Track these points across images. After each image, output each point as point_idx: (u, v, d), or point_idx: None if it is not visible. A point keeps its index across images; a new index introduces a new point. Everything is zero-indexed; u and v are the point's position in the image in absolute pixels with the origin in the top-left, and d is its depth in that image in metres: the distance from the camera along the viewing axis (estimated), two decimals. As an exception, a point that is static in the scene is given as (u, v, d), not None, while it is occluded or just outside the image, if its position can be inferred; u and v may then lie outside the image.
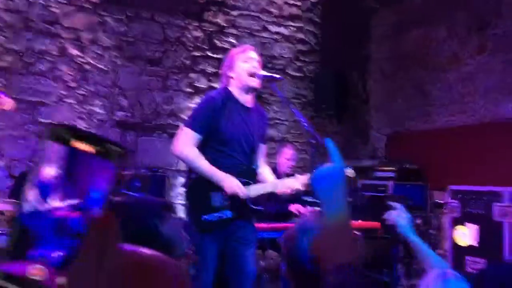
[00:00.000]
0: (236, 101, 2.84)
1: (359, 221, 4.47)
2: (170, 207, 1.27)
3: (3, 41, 4.98)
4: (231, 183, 2.72)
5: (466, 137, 5.14)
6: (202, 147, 2.78)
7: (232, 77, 2.87)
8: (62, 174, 0.76)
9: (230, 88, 2.88)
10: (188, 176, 2.91)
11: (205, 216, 2.73)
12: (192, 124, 2.76)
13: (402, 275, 4.75)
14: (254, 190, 2.80)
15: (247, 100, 2.88)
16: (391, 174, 5.46)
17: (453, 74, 5.46)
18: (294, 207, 4.47)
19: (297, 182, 2.84)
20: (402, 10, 6.26)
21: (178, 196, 5.79)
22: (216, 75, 6.10)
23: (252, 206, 2.81)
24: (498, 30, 5.11)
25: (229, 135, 2.77)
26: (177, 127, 5.82)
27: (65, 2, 5.27)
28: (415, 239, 1.66)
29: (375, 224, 4.44)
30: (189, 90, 5.96)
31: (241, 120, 2.83)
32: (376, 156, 6.36)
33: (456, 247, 4.51)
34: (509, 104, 4.96)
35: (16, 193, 4.51)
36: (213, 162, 2.75)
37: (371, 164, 6.04)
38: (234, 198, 2.75)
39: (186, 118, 5.81)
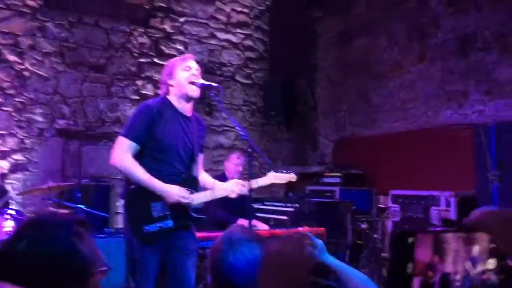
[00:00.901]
0: (174, 109, 2.82)
1: (305, 227, 4.50)
2: (85, 224, 1.21)
3: None
4: (172, 192, 2.69)
5: (408, 143, 5.30)
6: (140, 156, 2.73)
7: (171, 85, 2.85)
8: None
9: (168, 97, 2.85)
10: (126, 186, 2.84)
11: (146, 227, 2.67)
12: (128, 133, 2.72)
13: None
14: (196, 198, 2.79)
15: (186, 108, 2.87)
16: (338, 180, 5.55)
17: (395, 81, 5.62)
18: (241, 222, 4.42)
19: (236, 186, 2.90)
20: (346, 19, 6.41)
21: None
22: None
23: (193, 214, 2.79)
24: (437, 39, 5.32)
25: (167, 143, 2.74)
26: (123, 135, 5.69)
27: (2, 6, 5.05)
28: (335, 262, 1.58)
29: (320, 229, 4.49)
30: (135, 97, 5.84)
31: (180, 129, 2.81)
32: (324, 162, 6.45)
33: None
34: (447, 110, 5.16)
35: None
36: (151, 170, 2.69)
37: (319, 170, 6.12)
38: (175, 207, 2.72)
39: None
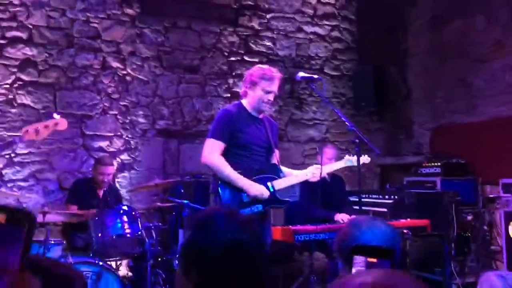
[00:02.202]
0: (248, 113, 3.23)
1: (408, 219, 4.36)
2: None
3: (48, 58, 5.17)
4: (252, 189, 3.05)
5: (517, 128, 4.94)
6: (227, 154, 3.14)
7: (249, 95, 3.21)
8: None
9: (243, 100, 3.25)
10: (214, 181, 3.21)
11: (240, 211, 2.88)
12: (214, 134, 3.13)
13: (455, 274, 4.60)
14: (279, 184, 3.15)
15: (258, 114, 3.29)
16: (438, 170, 5.31)
17: (498, 63, 5.26)
18: (339, 217, 4.39)
19: (316, 169, 3.23)
20: (439, 1, 6.10)
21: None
22: (253, 79, 6.13)
23: (280, 198, 3.17)
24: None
25: (246, 140, 3.13)
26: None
27: (104, 16, 5.42)
28: None
29: (424, 221, 4.33)
30: (227, 95, 6.01)
31: (255, 128, 3.21)
32: (421, 152, 6.20)
33: (511, 242, 4.33)
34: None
35: (72, 200, 4.65)
36: (235, 164, 3.08)
37: (416, 160, 5.90)
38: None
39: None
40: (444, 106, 5.92)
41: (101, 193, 4.70)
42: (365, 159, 3.43)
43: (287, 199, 3.21)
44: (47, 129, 2.96)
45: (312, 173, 3.25)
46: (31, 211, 0.90)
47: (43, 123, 2.97)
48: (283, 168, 3.35)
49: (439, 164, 5.30)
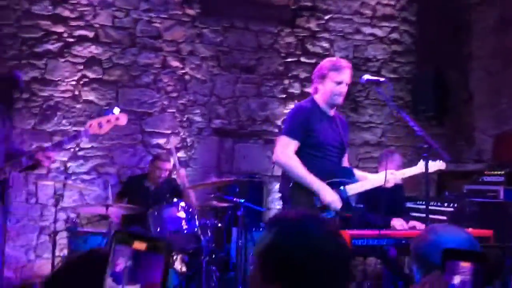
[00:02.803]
0: (321, 110, 3.07)
1: (469, 228, 4.21)
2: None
3: (112, 56, 5.35)
4: (327, 195, 2.87)
5: None
6: (299, 153, 2.97)
7: (320, 89, 3.08)
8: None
9: (315, 96, 3.10)
10: (284, 181, 3.06)
11: None
12: (288, 132, 2.98)
13: (518, 288, 4.39)
14: (352, 189, 2.98)
15: (330, 110, 3.14)
16: (501, 179, 5.09)
17: None
18: (396, 222, 4.27)
19: (390, 175, 3.07)
20: (505, 3, 5.85)
21: (274, 201, 5.85)
22: (309, 80, 6.09)
23: (354, 205, 3.04)
24: None
25: (321, 140, 2.98)
26: (272, 133, 5.89)
27: (166, 16, 5.55)
28: None
29: (488, 232, 4.16)
30: (282, 96, 6.01)
31: (329, 127, 3.06)
32: (482, 159, 5.97)
33: None
34: None
35: (123, 195, 4.80)
36: (308, 166, 2.91)
37: (477, 168, 5.68)
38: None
39: (280, 124, 5.92)
40: (508, 112, 5.66)
41: (152, 187, 4.83)
42: (439, 164, 3.21)
43: (361, 205, 3.13)
44: (109, 123, 3.09)
45: (387, 179, 3.05)
46: (169, 240, 0.94)
47: (106, 118, 3.09)
48: (355, 171, 3.19)
49: (502, 172, 5.07)
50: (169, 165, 4.87)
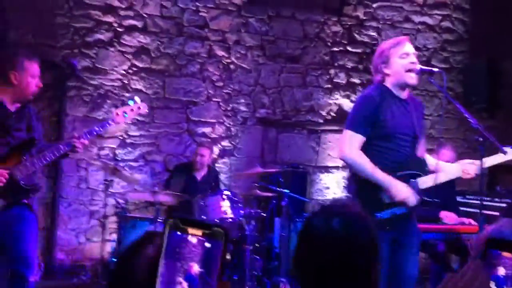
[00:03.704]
0: (393, 95, 2.77)
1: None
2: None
3: (159, 46, 5.43)
4: (400, 191, 2.64)
5: None
6: (367, 146, 2.72)
7: (388, 74, 2.77)
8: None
9: (386, 84, 2.79)
10: (352, 175, 2.86)
11: (378, 214, 2.66)
12: (354, 126, 2.72)
13: None
14: (424, 182, 2.70)
15: (402, 93, 2.81)
16: (558, 174, 4.85)
17: None
18: (444, 214, 4.15)
19: (468, 166, 2.79)
20: None
21: (317, 192, 5.82)
22: (355, 70, 5.99)
23: (426, 198, 2.72)
24: None
25: (391, 130, 2.69)
26: (316, 123, 5.84)
27: (212, 6, 5.58)
28: None
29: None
30: (328, 86, 5.93)
31: (401, 113, 2.75)
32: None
33: None
34: None
35: (170, 184, 4.90)
36: (377, 159, 2.67)
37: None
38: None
39: (325, 114, 5.85)
40: None
41: (199, 176, 4.89)
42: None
43: (437, 200, 2.82)
44: (132, 112, 3.22)
45: (464, 170, 2.77)
46: (227, 227, 0.96)
47: (129, 107, 3.22)
48: (430, 160, 2.89)
49: (560, 168, 4.83)
50: (206, 152, 4.93)
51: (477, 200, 4.86)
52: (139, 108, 3.26)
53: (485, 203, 4.74)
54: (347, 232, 1.12)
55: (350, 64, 5.99)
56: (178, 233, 0.89)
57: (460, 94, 6.19)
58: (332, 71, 5.95)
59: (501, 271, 0.78)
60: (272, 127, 5.80)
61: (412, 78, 2.73)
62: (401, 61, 2.73)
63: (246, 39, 5.69)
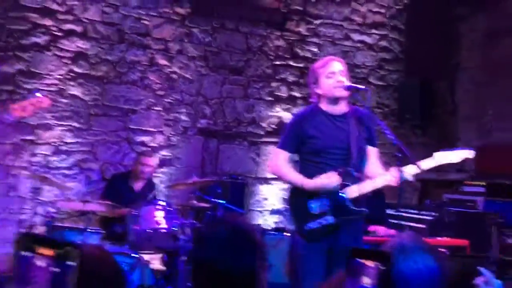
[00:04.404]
0: (324, 112, 2.92)
1: (445, 238, 4.25)
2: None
3: (100, 52, 5.33)
4: (319, 181, 2.76)
5: None
6: (301, 162, 2.94)
7: (319, 94, 2.95)
8: None
9: (320, 104, 2.96)
10: (289, 192, 3.02)
11: (307, 225, 2.77)
12: (281, 143, 2.99)
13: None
14: (352, 192, 2.80)
15: (338, 108, 2.94)
16: (481, 189, 5.14)
17: (554, 84, 5.04)
18: (373, 228, 4.30)
19: (396, 172, 2.82)
20: (495, 16, 5.91)
21: (256, 203, 5.86)
22: (297, 84, 6.12)
23: (354, 208, 2.79)
24: None
25: (320, 145, 2.84)
26: (257, 135, 5.90)
27: (155, 14, 5.55)
28: None
29: (464, 241, 4.20)
30: (269, 98, 6.02)
31: (333, 128, 2.88)
32: (464, 169, 6.01)
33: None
34: None
35: (107, 194, 4.78)
36: (310, 173, 2.82)
37: (458, 177, 5.73)
38: (335, 203, 2.79)
39: (265, 126, 5.93)
40: (493, 124, 5.72)
41: (137, 187, 4.81)
42: (467, 153, 2.86)
43: (363, 209, 2.81)
44: (32, 106, 3.20)
45: (392, 176, 2.77)
46: (81, 245, 0.90)
47: (29, 101, 3.21)
48: (372, 169, 2.94)
49: (483, 183, 5.13)
50: (152, 162, 4.86)
51: (406, 213, 5.05)
52: (39, 101, 3.23)
53: (413, 216, 4.95)
54: (231, 236, 1.21)
55: (291, 78, 6.12)
56: (25, 253, 0.83)
57: (395, 111, 6.45)
58: (274, 84, 6.05)
59: (366, 280, 0.82)
60: (213, 137, 5.81)
61: (341, 91, 2.89)
62: (328, 80, 2.90)
63: (189, 49, 5.69)
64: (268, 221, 5.81)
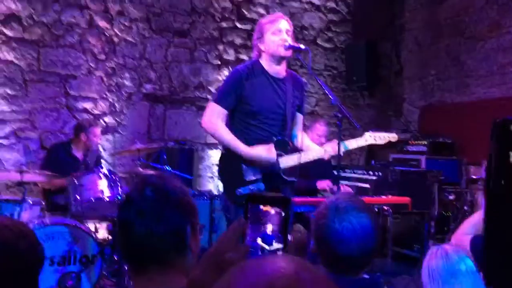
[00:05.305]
0: (265, 73, 2.84)
1: (389, 196, 4.36)
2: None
3: (32, 13, 5.00)
4: (257, 156, 2.72)
5: (506, 111, 4.90)
6: (232, 121, 2.81)
7: (262, 50, 2.85)
8: None
9: (261, 60, 2.87)
10: (222, 153, 2.94)
11: (239, 190, 2.72)
12: (218, 99, 2.81)
13: (433, 252, 4.64)
14: (285, 162, 2.80)
15: (278, 70, 2.87)
16: (423, 148, 5.30)
17: (493, 43, 5.18)
18: (322, 184, 4.37)
19: (329, 147, 2.87)
20: (439, -24, 5.96)
21: (206, 169, 5.81)
22: (244, 47, 6.00)
23: (285, 177, 2.80)
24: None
25: (258, 107, 2.76)
26: (205, 99, 5.79)
27: (92, -27, 5.23)
28: None
29: (405, 199, 4.32)
30: (216, 62, 5.89)
31: (272, 91, 2.81)
32: (409, 129, 6.17)
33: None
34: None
35: (48, 164, 4.59)
36: (242, 135, 2.76)
37: (403, 137, 5.87)
38: (266, 171, 2.76)
39: (214, 91, 5.82)
40: (435, 85, 5.86)
41: (80, 156, 4.63)
42: (391, 136, 2.97)
43: (293, 179, 2.81)
44: None
45: (324, 150, 2.82)
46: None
47: None
48: (305, 140, 2.96)
49: (425, 142, 5.28)
50: (98, 131, 4.69)
51: (353, 174, 5.15)
52: None
53: (360, 176, 5.05)
54: (156, 197, 1.18)
55: (239, 41, 5.99)
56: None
57: (343, 73, 6.48)
58: (221, 47, 5.91)
59: (269, 227, 0.79)
60: (160, 103, 5.65)
61: (282, 50, 2.80)
62: (273, 37, 2.81)
63: (130, 10, 5.43)
64: (219, 187, 5.79)
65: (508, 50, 5.03)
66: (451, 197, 4.88)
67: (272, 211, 0.79)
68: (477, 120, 5.15)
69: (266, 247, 0.80)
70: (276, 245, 0.79)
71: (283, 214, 0.79)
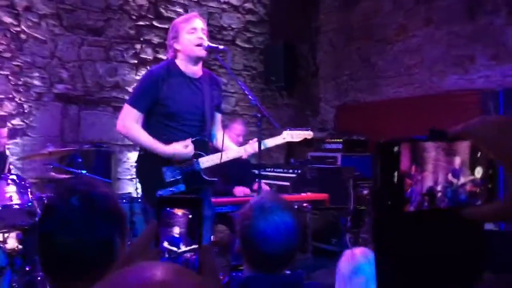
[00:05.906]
0: (181, 73, 2.78)
1: (308, 193, 4.49)
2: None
3: None
4: (174, 152, 2.69)
5: (413, 109, 5.25)
6: (149, 123, 2.74)
7: (178, 50, 2.80)
8: None
9: (176, 61, 2.81)
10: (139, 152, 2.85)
11: (159, 192, 2.65)
12: (132, 100, 2.75)
13: (350, 244, 4.85)
14: (205, 161, 2.78)
15: (195, 70, 2.83)
16: (339, 146, 5.52)
17: (400, 46, 5.52)
18: (239, 190, 4.37)
19: (248, 146, 2.88)
20: (351, -19, 6.24)
21: (125, 171, 5.63)
22: (162, 46, 5.88)
23: (206, 178, 2.79)
24: (444, 2, 5.19)
25: (175, 108, 2.71)
26: (122, 100, 5.60)
27: (-6, -35, 4.87)
28: None
29: (323, 195, 4.49)
30: (133, 61, 5.72)
31: (189, 92, 2.77)
32: (326, 128, 6.41)
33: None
34: (453, 75, 5.09)
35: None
36: (161, 136, 2.69)
37: (320, 136, 6.08)
38: (187, 171, 2.74)
39: (131, 91, 5.64)
40: (349, 85, 6.13)
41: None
42: (307, 133, 3.04)
43: (214, 179, 2.82)
44: None
45: (243, 149, 2.86)
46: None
47: None
48: (219, 137, 2.95)
49: (340, 140, 5.50)
50: (5, 133, 4.37)
51: (273, 172, 5.25)
52: None
53: (279, 174, 5.16)
54: (81, 205, 1.10)
55: (157, 40, 5.87)
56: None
57: (262, 73, 6.58)
58: (138, 46, 5.75)
59: (176, 230, 0.78)
60: (73, 104, 5.38)
61: (201, 51, 2.77)
62: (189, 36, 2.77)
63: (38, 6, 5.12)
64: (139, 190, 5.62)
65: (414, 52, 5.39)
66: (365, 192, 5.13)
67: (179, 212, 0.78)
68: (387, 118, 5.46)
69: (175, 249, 0.79)
70: (184, 248, 0.78)
71: (190, 216, 0.78)
